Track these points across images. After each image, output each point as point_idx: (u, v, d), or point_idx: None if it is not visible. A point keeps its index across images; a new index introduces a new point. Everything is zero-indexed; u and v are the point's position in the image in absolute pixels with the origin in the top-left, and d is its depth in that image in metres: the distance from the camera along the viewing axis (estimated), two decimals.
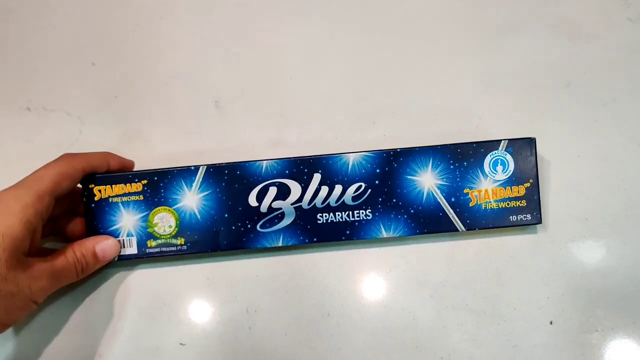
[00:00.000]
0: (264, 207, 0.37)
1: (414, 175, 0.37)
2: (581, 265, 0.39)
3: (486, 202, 0.37)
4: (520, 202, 0.37)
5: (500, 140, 0.37)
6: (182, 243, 0.37)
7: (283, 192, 0.37)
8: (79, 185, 0.37)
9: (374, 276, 0.39)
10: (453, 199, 0.37)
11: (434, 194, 0.37)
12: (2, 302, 0.29)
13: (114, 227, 0.37)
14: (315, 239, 0.37)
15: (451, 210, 0.37)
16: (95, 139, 0.41)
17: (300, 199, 0.37)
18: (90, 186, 0.36)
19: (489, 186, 0.37)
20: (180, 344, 0.38)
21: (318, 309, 0.39)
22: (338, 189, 0.37)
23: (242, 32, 0.44)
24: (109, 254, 0.36)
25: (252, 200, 0.37)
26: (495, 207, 0.37)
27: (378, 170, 0.37)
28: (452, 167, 0.37)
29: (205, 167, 0.37)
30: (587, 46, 0.42)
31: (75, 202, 0.37)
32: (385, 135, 0.41)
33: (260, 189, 0.37)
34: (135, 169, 0.39)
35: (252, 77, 0.43)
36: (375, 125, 0.41)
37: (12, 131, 0.42)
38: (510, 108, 0.42)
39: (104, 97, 0.42)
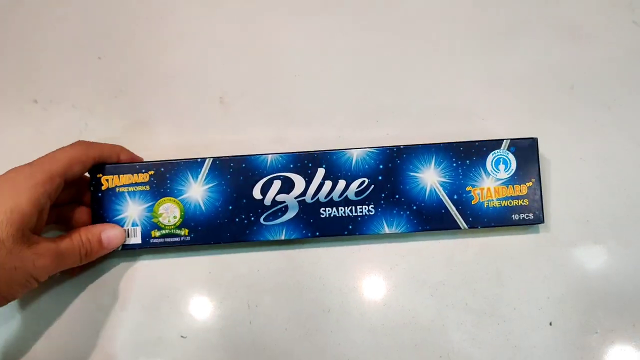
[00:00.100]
0: (267, 200, 0.37)
1: (417, 172, 0.38)
2: (582, 267, 0.39)
3: (488, 200, 0.37)
4: (523, 201, 0.37)
5: (503, 140, 0.38)
6: (186, 234, 0.37)
7: (287, 186, 0.37)
8: (87, 175, 0.37)
9: (374, 274, 0.39)
10: (455, 197, 0.37)
11: (437, 191, 0.37)
12: (5, 275, 0.30)
13: (120, 217, 0.37)
14: (317, 233, 0.37)
15: (453, 208, 0.37)
16: (101, 132, 0.42)
17: (303, 193, 0.37)
18: (98, 175, 0.37)
19: (491, 184, 0.38)
20: (181, 336, 0.38)
21: (318, 305, 0.39)
22: (341, 184, 0.37)
23: (248, 29, 0.44)
24: (114, 242, 0.36)
25: (257, 193, 0.37)
26: (497, 206, 0.37)
27: (381, 167, 0.37)
28: (454, 164, 0.38)
29: (212, 159, 0.37)
30: (590, 48, 0.43)
31: (82, 190, 0.38)
32: (389, 134, 0.42)
33: (265, 182, 0.37)
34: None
35: (257, 74, 0.43)
36: (378, 124, 0.42)
37: (19, 123, 0.42)
38: (513, 108, 0.42)
39: (110, 90, 0.43)
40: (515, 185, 0.38)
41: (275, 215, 0.37)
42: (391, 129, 0.42)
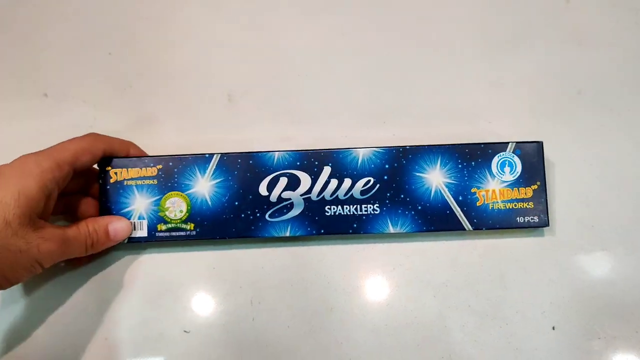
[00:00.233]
0: (273, 197, 0.37)
1: (423, 173, 0.38)
2: (586, 271, 0.39)
3: (493, 202, 0.38)
4: (528, 204, 0.38)
5: (508, 142, 0.38)
6: (192, 228, 0.37)
7: (293, 183, 0.37)
8: (96, 167, 0.38)
9: (378, 273, 0.39)
10: (460, 198, 0.38)
11: (442, 191, 0.38)
12: (10, 256, 0.30)
13: (127, 210, 0.37)
14: (322, 231, 0.37)
15: (458, 209, 0.38)
16: (109, 126, 0.42)
17: (309, 191, 0.37)
18: (107, 168, 0.37)
19: (496, 186, 0.38)
20: (184, 331, 0.38)
21: (322, 303, 0.39)
22: (347, 182, 0.37)
23: (257, 27, 0.45)
24: (121, 235, 0.36)
25: (263, 190, 0.37)
26: (502, 208, 0.38)
27: (387, 166, 0.38)
28: (460, 166, 0.38)
29: (219, 155, 0.38)
30: (598, 52, 0.43)
31: (91, 182, 0.38)
32: (395, 135, 0.42)
33: (271, 179, 0.37)
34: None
35: (265, 73, 0.44)
36: (385, 125, 0.42)
37: (29, 116, 0.43)
38: (519, 112, 0.42)
39: (119, 86, 0.43)
40: (520, 188, 0.38)
41: (281, 212, 0.37)
42: (397, 130, 0.42)
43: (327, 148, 0.38)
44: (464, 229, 0.37)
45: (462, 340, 0.38)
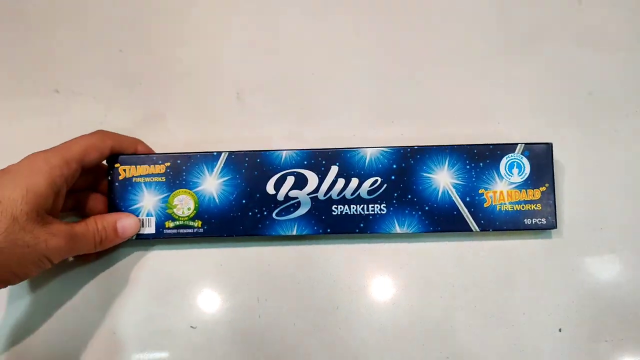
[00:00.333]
0: (280, 196, 0.37)
1: (430, 173, 0.38)
2: (594, 274, 0.39)
3: (501, 204, 0.37)
4: (535, 206, 0.37)
5: (517, 144, 0.38)
6: (199, 226, 0.37)
7: (300, 182, 0.37)
8: (105, 163, 0.38)
9: (384, 273, 0.40)
10: (468, 199, 0.37)
11: (449, 192, 0.38)
12: (18, 251, 0.30)
13: (135, 207, 0.38)
14: (329, 230, 0.37)
15: (466, 210, 0.37)
16: (119, 123, 0.42)
17: (316, 190, 0.37)
18: (115, 165, 0.38)
19: (504, 188, 0.38)
20: (191, 326, 0.39)
21: (327, 302, 0.39)
22: (354, 182, 0.38)
23: (267, 25, 0.45)
24: (129, 231, 0.37)
25: (270, 188, 0.38)
26: (510, 209, 0.37)
27: (395, 166, 0.38)
28: (468, 167, 0.38)
29: (227, 153, 0.38)
30: (611, 56, 0.43)
31: (100, 179, 0.39)
32: (403, 134, 0.42)
33: (279, 177, 0.38)
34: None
35: (274, 71, 0.44)
36: (394, 125, 0.42)
37: (40, 112, 0.43)
38: (530, 113, 0.42)
39: (130, 83, 0.44)
40: (528, 190, 0.38)
41: (288, 210, 0.37)
42: (406, 130, 0.42)
43: (335, 147, 0.38)
44: (471, 230, 0.37)
45: (468, 340, 0.38)
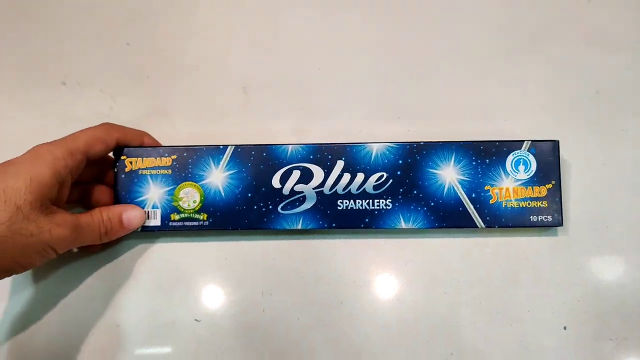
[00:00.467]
0: (286, 190, 0.37)
1: (436, 169, 0.38)
2: (599, 273, 0.39)
3: (507, 200, 0.37)
4: (542, 203, 0.37)
5: (524, 141, 0.38)
6: (205, 219, 0.37)
7: (306, 176, 0.37)
8: (111, 155, 0.38)
9: (389, 268, 0.40)
10: (474, 195, 0.37)
11: (455, 188, 0.37)
12: (21, 240, 0.30)
13: (141, 199, 0.38)
14: (334, 225, 0.37)
15: (471, 206, 0.37)
16: (126, 116, 0.43)
17: (322, 184, 0.37)
18: (122, 157, 0.38)
19: (510, 185, 0.37)
20: (195, 320, 0.39)
21: (332, 297, 0.39)
22: (360, 176, 0.37)
23: (274, 20, 0.45)
24: (134, 223, 0.37)
25: (276, 182, 0.38)
26: (515, 206, 0.37)
27: (400, 162, 0.38)
28: (474, 163, 0.38)
29: (234, 147, 0.38)
30: (619, 55, 0.43)
31: (105, 171, 0.39)
32: (410, 130, 0.42)
33: (284, 171, 0.38)
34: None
35: (281, 66, 0.44)
36: (400, 121, 0.42)
37: (47, 104, 0.43)
38: (536, 111, 0.42)
39: (136, 76, 0.44)
40: (534, 187, 0.37)
41: (293, 204, 0.37)
42: (412, 126, 0.42)
43: (341, 142, 0.38)
44: (477, 227, 0.37)
45: (472, 337, 0.38)
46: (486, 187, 0.37)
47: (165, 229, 0.38)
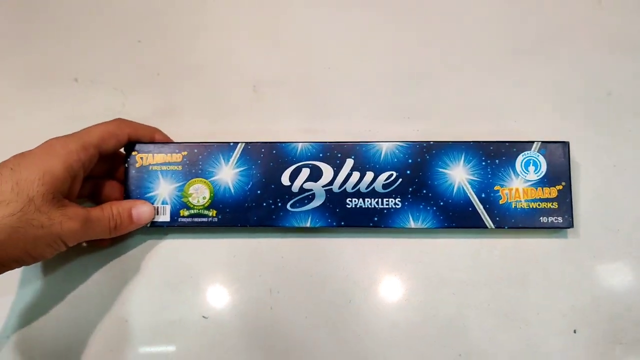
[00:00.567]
0: (295, 187, 0.38)
1: (446, 169, 0.38)
2: (609, 276, 0.39)
3: (517, 201, 0.37)
4: (552, 204, 0.37)
5: (534, 142, 0.38)
6: (214, 215, 0.38)
7: (315, 174, 0.38)
8: (123, 151, 0.38)
9: (397, 268, 0.39)
10: (483, 195, 0.37)
11: (465, 188, 0.37)
12: (32, 232, 0.30)
13: (151, 194, 0.38)
14: (342, 223, 0.37)
15: (481, 206, 0.37)
16: (137, 113, 0.43)
17: (331, 182, 0.38)
18: (133, 153, 0.38)
19: (520, 185, 0.37)
20: (203, 316, 0.39)
21: (340, 296, 0.39)
22: (369, 175, 0.37)
23: (285, 19, 0.45)
24: (144, 218, 0.37)
25: (285, 180, 0.38)
26: (525, 207, 0.37)
27: (410, 161, 0.38)
28: (483, 163, 0.38)
29: (244, 144, 0.38)
30: (631, 57, 0.42)
31: (117, 166, 0.39)
32: (419, 130, 0.42)
33: (294, 169, 0.38)
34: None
35: (291, 65, 0.44)
36: (409, 120, 0.42)
37: (59, 100, 0.44)
38: (547, 113, 0.42)
39: (148, 73, 0.44)
40: (544, 188, 0.37)
41: (302, 202, 0.38)
42: (421, 126, 0.42)
43: (351, 141, 0.38)
44: (486, 227, 0.37)
45: (480, 339, 0.38)
46: (496, 188, 0.37)
47: (174, 224, 0.38)
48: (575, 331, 0.38)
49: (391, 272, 0.39)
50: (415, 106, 0.42)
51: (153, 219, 0.38)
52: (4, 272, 0.31)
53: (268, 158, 0.38)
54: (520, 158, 0.38)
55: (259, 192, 0.38)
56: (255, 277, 0.39)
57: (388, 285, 0.39)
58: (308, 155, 0.38)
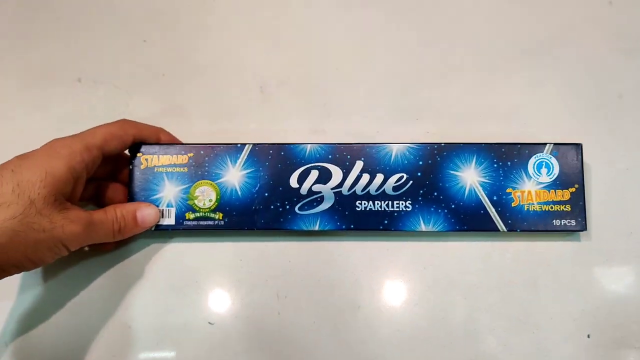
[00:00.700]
0: (304, 190, 0.37)
1: (457, 171, 0.37)
2: (622, 279, 0.38)
3: (529, 204, 0.37)
4: (565, 207, 0.37)
5: (546, 144, 0.37)
6: (220, 218, 0.37)
7: (324, 177, 0.37)
8: (127, 152, 0.37)
9: (407, 272, 0.39)
10: (495, 198, 0.37)
11: (476, 191, 0.37)
12: (33, 235, 0.29)
13: (155, 197, 0.37)
14: (352, 226, 0.37)
15: (493, 209, 0.37)
16: (141, 113, 0.42)
17: (340, 185, 0.37)
18: (138, 154, 0.37)
19: (532, 188, 0.37)
20: (209, 322, 0.38)
21: (348, 300, 0.38)
22: (379, 177, 0.37)
23: (292, 19, 0.45)
24: (148, 221, 0.36)
25: (293, 182, 0.37)
26: (538, 210, 0.37)
27: (421, 163, 0.37)
28: (495, 165, 0.37)
29: (251, 145, 0.37)
30: None
31: (120, 168, 0.38)
32: (429, 132, 0.41)
33: (302, 171, 0.37)
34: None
35: (298, 66, 0.43)
36: (419, 122, 0.42)
37: (62, 100, 0.43)
38: (558, 114, 0.41)
39: (152, 73, 0.43)
40: (557, 190, 0.37)
41: (311, 205, 0.37)
42: (431, 127, 0.41)
43: (360, 142, 0.37)
44: (498, 230, 0.36)
45: (491, 343, 0.37)
46: (508, 190, 0.37)
47: (179, 227, 0.37)
48: (589, 336, 0.37)
49: (401, 276, 0.39)
50: (425, 107, 0.42)
51: (158, 222, 0.37)
52: (3, 277, 0.30)
53: (276, 160, 0.37)
54: (532, 160, 0.37)
55: (266, 194, 0.37)
56: (262, 282, 0.39)
57: (397, 289, 0.38)
58: (317, 157, 0.37)
